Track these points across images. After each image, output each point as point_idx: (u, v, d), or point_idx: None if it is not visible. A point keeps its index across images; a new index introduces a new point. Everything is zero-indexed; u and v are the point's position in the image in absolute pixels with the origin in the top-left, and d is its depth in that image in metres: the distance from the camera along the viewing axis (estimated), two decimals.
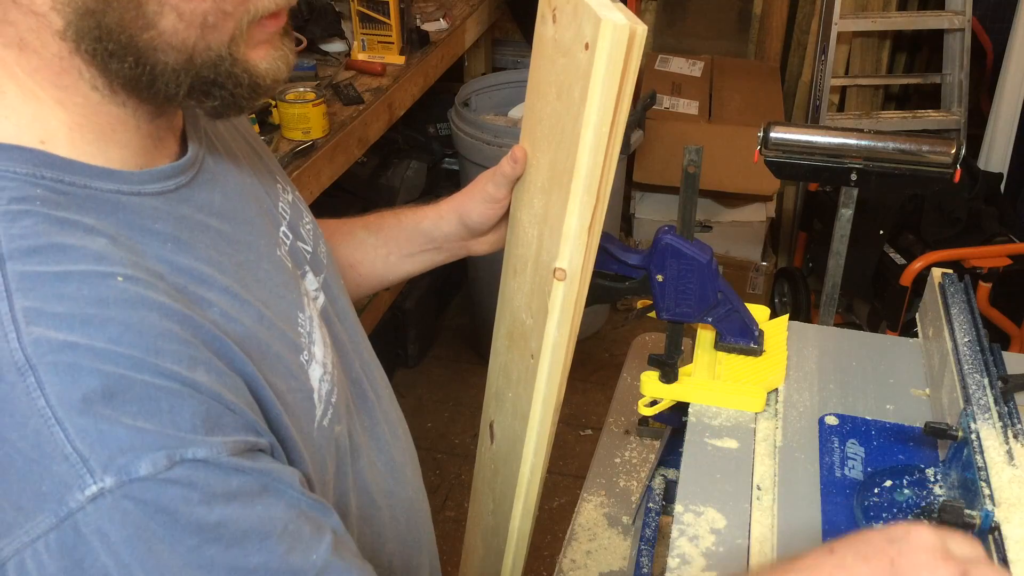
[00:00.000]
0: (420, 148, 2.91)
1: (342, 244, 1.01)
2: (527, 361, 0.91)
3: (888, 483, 0.91)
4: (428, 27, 2.48)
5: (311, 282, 0.77)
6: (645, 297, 1.04)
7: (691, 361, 1.11)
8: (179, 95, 0.58)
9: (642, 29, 0.70)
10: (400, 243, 1.02)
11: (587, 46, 0.71)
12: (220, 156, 0.70)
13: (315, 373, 0.68)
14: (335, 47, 2.35)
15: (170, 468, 0.50)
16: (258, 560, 0.53)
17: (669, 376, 1.08)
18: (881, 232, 2.50)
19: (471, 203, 0.98)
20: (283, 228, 0.75)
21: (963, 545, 0.63)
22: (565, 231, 0.79)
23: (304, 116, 1.86)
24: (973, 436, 0.87)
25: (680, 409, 1.10)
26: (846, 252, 1.52)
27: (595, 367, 2.89)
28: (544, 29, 0.84)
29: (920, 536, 0.61)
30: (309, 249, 0.79)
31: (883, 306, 2.54)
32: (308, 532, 0.56)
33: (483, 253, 1.04)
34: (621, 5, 0.73)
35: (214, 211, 0.65)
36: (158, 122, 0.62)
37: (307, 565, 0.56)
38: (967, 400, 0.93)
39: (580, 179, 0.76)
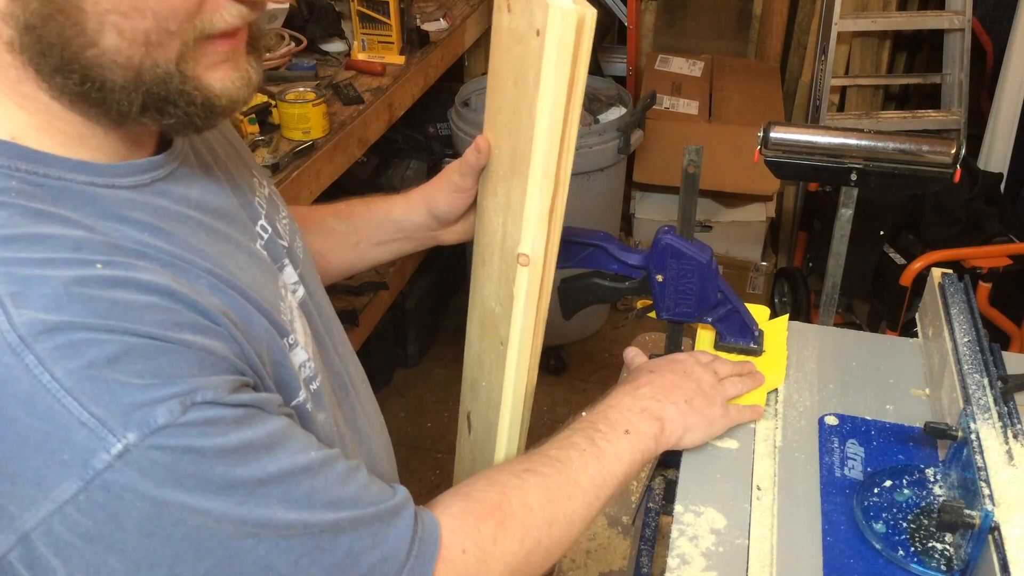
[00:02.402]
0: (420, 148, 2.90)
1: (312, 232, 1.01)
2: (497, 348, 0.91)
3: (888, 483, 0.91)
4: (428, 27, 2.48)
5: (290, 275, 0.77)
6: (645, 297, 1.04)
7: None
8: (132, 112, 0.58)
9: (591, 14, 0.71)
10: (371, 232, 1.04)
11: (539, 33, 0.72)
12: (201, 152, 0.71)
13: (297, 357, 0.69)
14: (335, 47, 2.35)
15: (185, 412, 0.53)
16: (275, 467, 0.58)
17: None
18: (881, 232, 2.50)
19: (439, 193, 0.99)
20: (261, 222, 0.76)
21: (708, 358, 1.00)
22: (526, 217, 0.80)
23: (304, 116, 1.86)
24: (973, 436, 0.87)
25: None
26: (846, 252, 1.52)
27: (595, 367, 2.89)
28: (500, 19, 0.85)
29: (680, 357, 0.99)
30: (286, 244, 0.79)
31: (883, 306, 2.54)
32: (300, 434, 0.63)
33: (452, 243, 1.05)
34: None
35: (192, 204, 0.66)
36: (126, 129, 0.62)
37: (309, 461, 0.61)
38: (967, 400, 0.93)
39: (538, 164, 0.77)
